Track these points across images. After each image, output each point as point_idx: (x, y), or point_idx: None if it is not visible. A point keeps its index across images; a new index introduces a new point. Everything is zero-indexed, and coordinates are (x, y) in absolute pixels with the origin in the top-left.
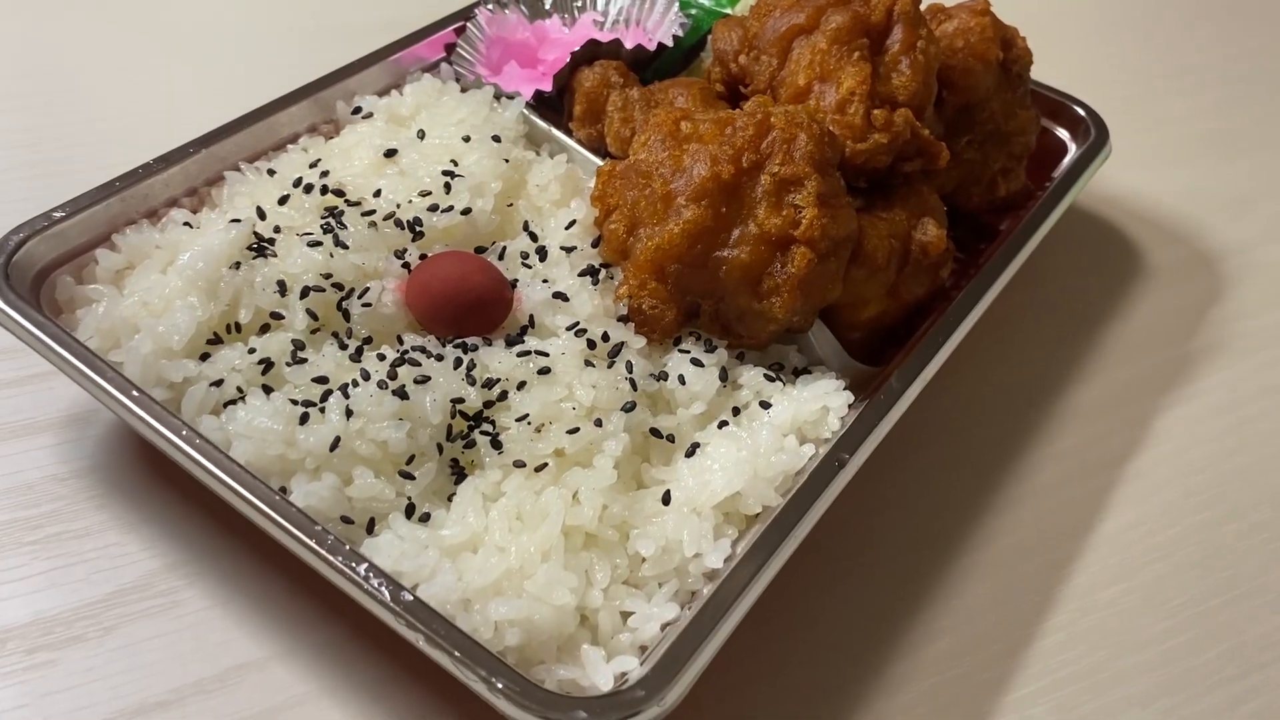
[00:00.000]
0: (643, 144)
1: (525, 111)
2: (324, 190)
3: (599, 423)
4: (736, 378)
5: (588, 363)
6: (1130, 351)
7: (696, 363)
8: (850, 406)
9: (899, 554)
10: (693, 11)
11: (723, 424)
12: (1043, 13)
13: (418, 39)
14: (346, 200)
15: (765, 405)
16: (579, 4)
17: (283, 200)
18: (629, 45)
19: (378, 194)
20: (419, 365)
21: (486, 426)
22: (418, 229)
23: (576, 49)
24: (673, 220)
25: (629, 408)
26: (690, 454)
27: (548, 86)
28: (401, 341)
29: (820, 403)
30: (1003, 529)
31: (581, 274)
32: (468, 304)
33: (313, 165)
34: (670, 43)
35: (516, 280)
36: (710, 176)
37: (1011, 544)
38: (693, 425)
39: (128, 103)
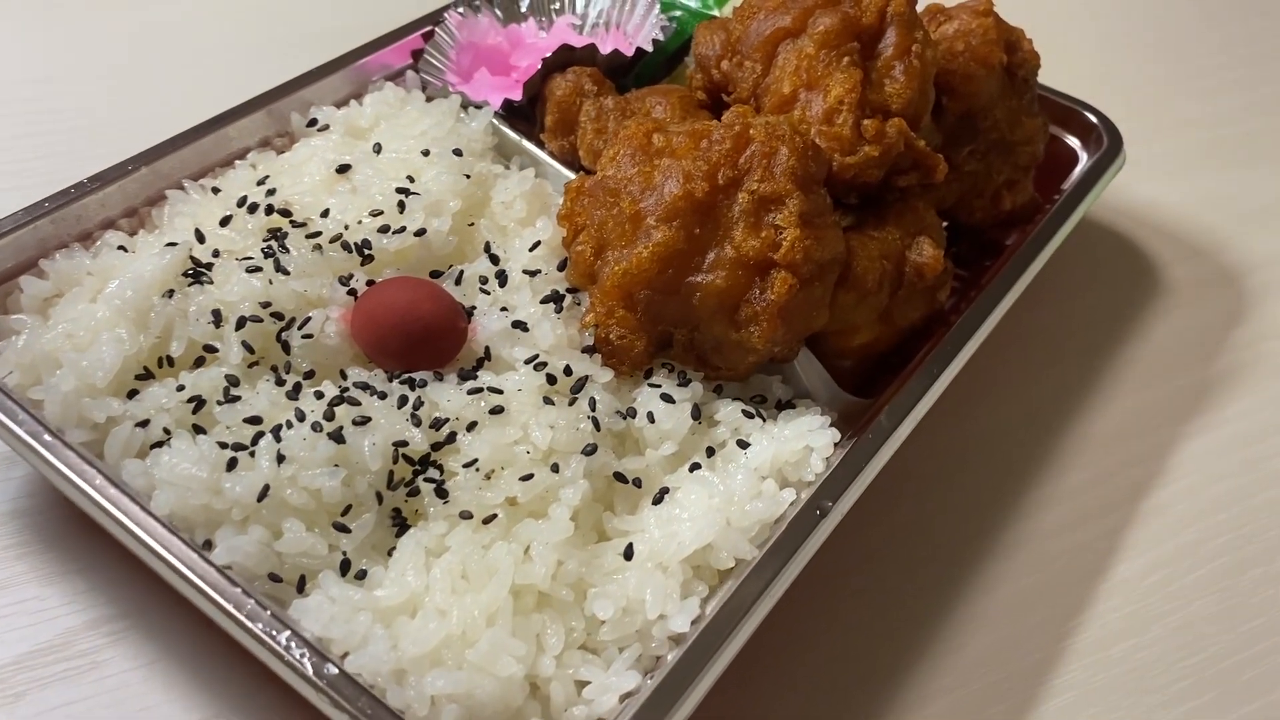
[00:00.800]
0: (611, 159)
1: (495, 122)
2: (269, 210)
3: (556, 468)
4: (713, 413)
5: (547, 400)
6: (1146, 376)
7: (667, 398)
8: (837, 445)
9: (890, 605)
10: (677, 14)
11: (694, 467)
12: (1051, 13)
13: (382, 44)
14: (292, 221)
15: (743, 445)
16: (556, 6)
17: (224, 221)
18: (606, 50)
19: (326, 214)
20: (358, 405)
21: (432, 472)
22: (366, 252)
23: (548, 55)
24: (642, 243)
25: (590, 450)
26: (658, 501)
27: (518, 95)
28: (345, 377)
29: (803, 442)
30: (1005, 575)
31: (544, 301)
32: (416, 335)
33: (260, 183)
34: (649, 47)
35: (474, 308)
36: (682, 195)
37: (1015, 592)
38: (662, 467)
39: (95, 109)
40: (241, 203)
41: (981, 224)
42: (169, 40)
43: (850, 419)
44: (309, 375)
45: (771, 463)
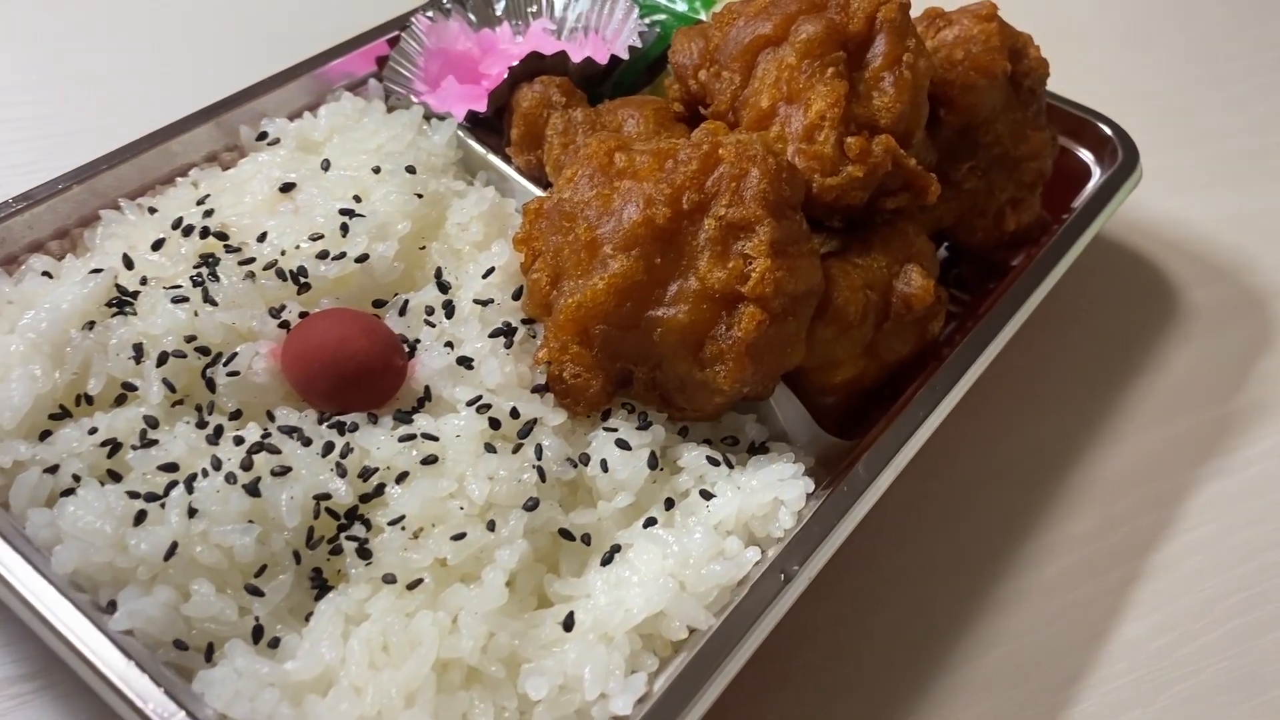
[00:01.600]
0: (568, 180)
1: (460, 135)
2: (204, 233)
3: (492, 525)
4: (676, 458)
5: (489, 447)
6: (1161, 412)
7: (623, 445)
8: (810, 496)
9: (866, 675)
10: (660, 18)
11: (650, 522)
12: (1061, 16)
13: (345, 50)
14: (227, 245)
15: (706, 496)
16: (533, 9)
17: (157, 245)
18: (579, 57)
19: (263, 238)
20: (278, 453)
21: (358, 529)
22: (302, 280)
23: (515, 64)
24: (598, 273)
25: (531, 505)
26: (608, 560)
27: (482, 106)
28: (272, 419)
29: (771, 494)
30: (997, 638)
31: (493, 334)
32: (347, 375)
33: (200, 202)
34: (625, 55)
35: (418, 341)
36: (642, 221)
37: (1006, 658)
38: (616, 521)
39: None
40: (177, 224)
41: (984, 246)
42: (121, 41)
43: (832, 462)
44: (235, 416)
45: (737, 517)
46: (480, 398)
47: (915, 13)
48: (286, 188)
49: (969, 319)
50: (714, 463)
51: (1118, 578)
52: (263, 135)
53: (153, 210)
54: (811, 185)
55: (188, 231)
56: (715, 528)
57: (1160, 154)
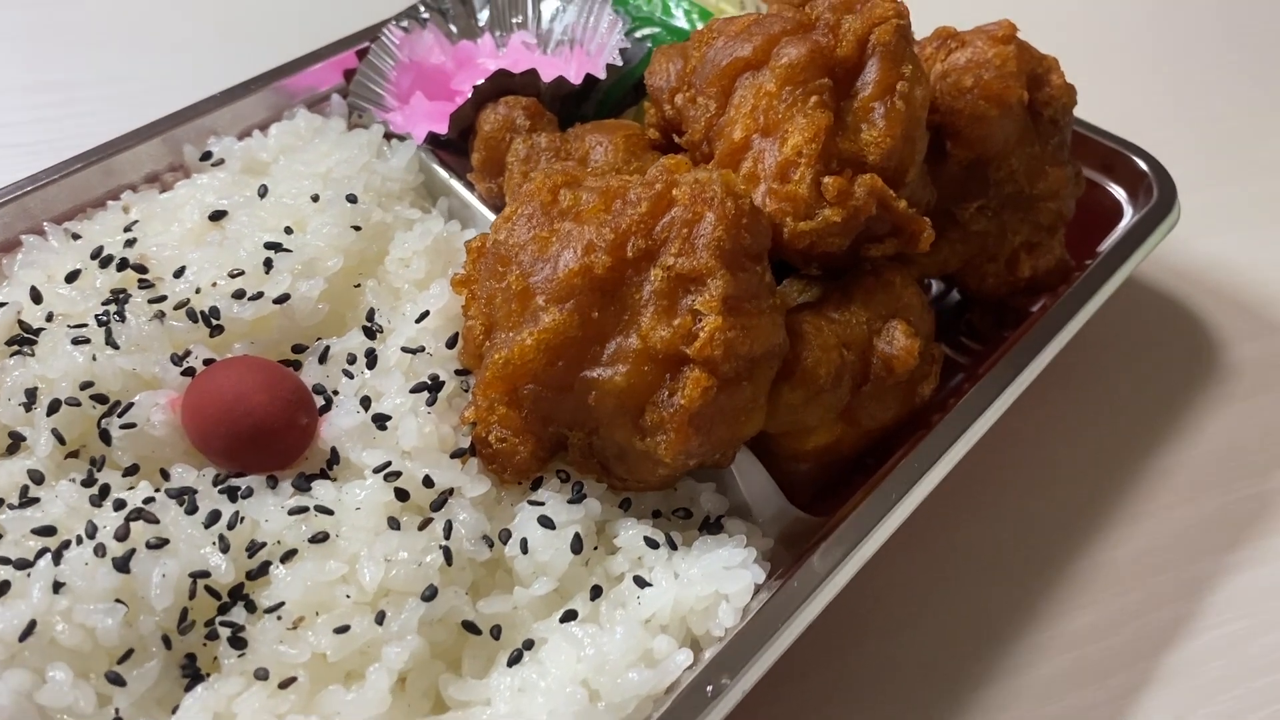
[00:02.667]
0: (505, 219)
1: (424, 157)
2: (122, 265)
3: (382, 617)
4: (614, 535)
5: (391, 522)
6: (1191, 486)
7: (547, 522)
8: (761, 587)
9: None
10: (651, 31)
11: (569, 616)
12: (1092, 37)
13: (309, 63)
14: (142, 280)
15: (641, 583)
16: (518, 20)
17: (71, 277)
18: (564, 72)
19: (181, 272)
20: (157, 522)
21: (238, 612)
22: (215, 322)
23: (480, 82)
24: (527, 327)
25: (430, 595)
26: (515, 660)
27: (443, 128)
28: (166, 477)
29: (714, 585)
30: None
31: (416, 389)
32: (244, 434)
33: (128, 229)
34: (601, 74)
35: (336, 393)
36: (579, 270)
37: None
38: (534, 610)
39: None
40: (97, 254)
41: (994, 292)
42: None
43: (798, 539)
44: (131, 471)
45: (672, 610)
46: (389, 464)
47: (925, 30)
48: (217, 216)
49: (970, 377)
50: (652, 544)
51: (1122, 684)
52: (207, 155)
53: (76, 236)
54: (782, 230)
55: (105, 262)
56: (646, 623)
57: (1202, 189)
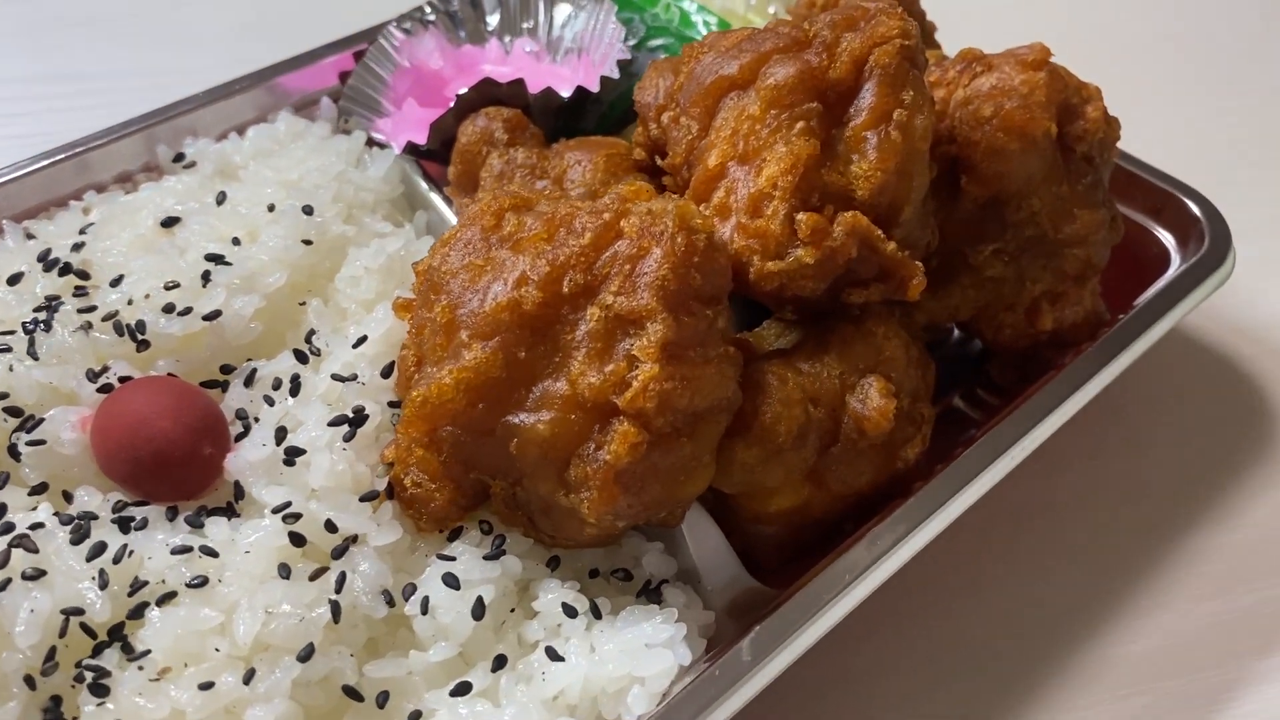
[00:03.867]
0: (444, 243)
1: (408, 168)
2: (65, 270)
3: (251, 676)
4: (533, 597)
5: (282, 569)
6: (1228, 576)
7: (452, 580)
8: (686, 667)
9: None
10: (662, 41)
11: (461, 689)
12: (1146, 65)
13: (303, 63)
14: (78, 287)
15: (554, 656)
16: (528, 24)
17: (14, 279)
18: (538, 87)
19: (119, 281)
20: (36, 552)
21: (110, 655)
22: (140, 337)
23: (464, 90)
24: (449, 364)
25: (305, 655)
26: None
27: (422, 138)
28: (69, 500)
29: (627, 667)
30: None
31: (335, 422)
32: (145, 461)
33: (83, 231)
34: (594, 87)
35: (257, 420)
36: (507, 304)
37: None
38: (430, 678)
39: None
40: (44, 256)
41: (1012, 345)
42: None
43: (748, 611)
44: (39, 490)
45: (582, 690)
46: (289, 505)
47: (948, 51)
48: (169, 223)
49: (966, 440)
50: (570, 613)
51: None
52: (180, 156)
53: (30, 236)
54: (748, 270)
55: (50, 266)
56: (552, 702)
57: (1262, 237)
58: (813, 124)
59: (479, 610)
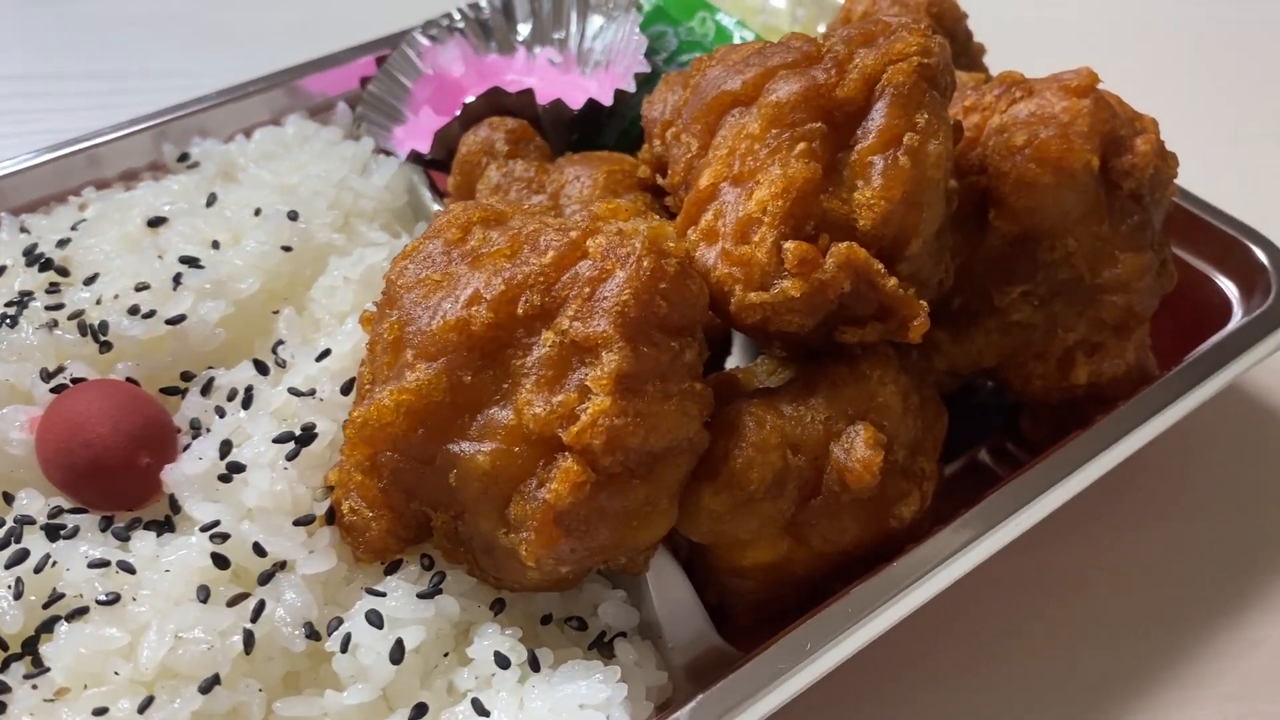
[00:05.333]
0: (406, 255)
1: (415, 178)
2: (46, 265)
3: (147, 705)
4: (469, 642)
5: (201, 592)
6: (1268, 675)
7: (375, 619)
8: None
9: None
10: (693, 56)
11: None
12: (1210, 97)
13: (323, 66)
14: (52, 284)
15: (480, 710)
16: (560, 35)
17: None
18: (548, 99)
19: (92, 280)
20: None
21: (19, 668)
22: (103, 338)
23: (470, 99)
24: (392, 384)
25: (207, 686)
26: None
27: (425, 147)
28: (9, 502)
29: None
30: None
31: (281, 439)
32: (80, 467)
33: (74, 227)
34: (607, 100)
35: (209, 432)
36: (454, 324)
37: None
38: None
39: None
40: (29, 251)
41: (1042, 398)
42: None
43: (711, 671)
44: None
45: None
46: (218, 523)
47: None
48: (155, 223)
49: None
50: (503, 663)
51: None
52: (184, 156)
53: (24, 230)
54: (730, 301)
55: (33, 261)
56: None
57: None
58: (815, 145)
59: (397, 654)
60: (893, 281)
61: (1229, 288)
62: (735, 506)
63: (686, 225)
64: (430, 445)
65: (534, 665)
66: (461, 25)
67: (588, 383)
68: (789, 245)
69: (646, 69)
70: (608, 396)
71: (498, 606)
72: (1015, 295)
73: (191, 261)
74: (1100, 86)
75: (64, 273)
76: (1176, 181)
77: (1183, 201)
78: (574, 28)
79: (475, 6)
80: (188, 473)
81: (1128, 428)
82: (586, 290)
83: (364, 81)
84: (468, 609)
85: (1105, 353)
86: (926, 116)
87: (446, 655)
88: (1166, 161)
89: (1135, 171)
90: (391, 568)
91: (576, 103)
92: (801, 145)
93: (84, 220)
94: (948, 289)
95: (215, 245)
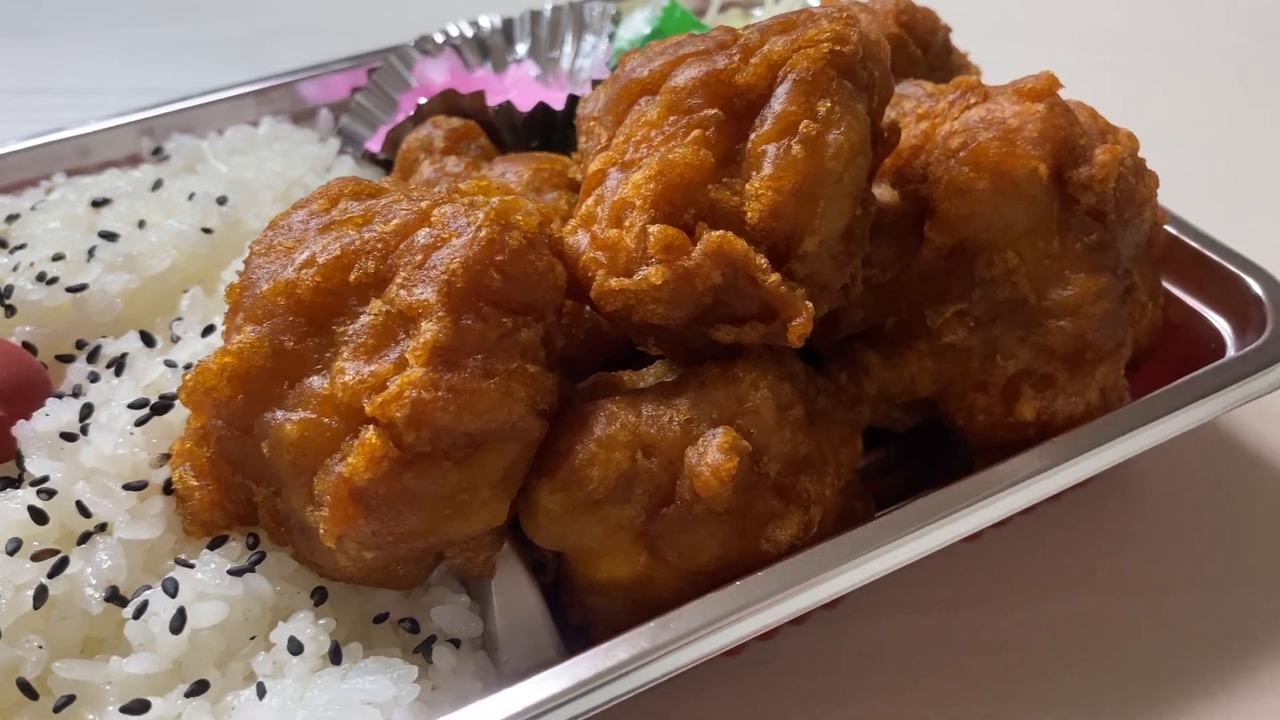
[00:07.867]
0: (273, 224)
1: (369, 175)
2: None
3: None
4: (276, 624)
5: (11, 545)
6: None
7: (169, 588)
8: None
9: None
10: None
11: (137, 706)
12: (1201, 110)
13: (316, 74)
14: None
15: (262, 693)
16: (555, 54)
17: None
18: (497, 100)
19: (17, 250)
20: None
21: None
22: (6, 302)
23: (422, 100)
24: (221, 347)
25: None
26: None
27: (377, 145)
28: None
29: None
30: None
31: (135, 404)
32: None
33: (34, 207)
34: (558, 105)
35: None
36: (282, 288)
37: None
38: (123, 690)
39: None
40: None
41: (990, 435)
42: None
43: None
44: None
45: None
46: (46, 479)
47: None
48: (99, 203)
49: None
50: (296, 649)
51: None
52: (158, 149)
53: None
54: (592, 286)
55: None
56: None
57: None
58: (709, 133)
59: (177, 623)
60: (774, 278)
61: (1218, 321)
62: (574, 507)
63: (577, 213)
64: (249, 412)
65: (335, 658)
66: (457, 42)
67: (406, 354)
68: (654, 229)
69: (610, 69)
70: (423, 366)
71: (319, 595)
72: (949, 314)
73: (110, 236)
74: (1087, 100)
75: (3, 244)
76: (1170, 209)
77: (1172, 229)
78: (568, 48)
79: (475, 24)
80: (37, 429)
81: (1071, 453)
82: (419, 258)
83: (355, 91)
84: (285, 593)
85: (1057, 388)
86: (829, 105)
87: (253, 639)
88: (1143, 180)
89: (1094, 184)
90: (216, 543)
91: (526, 105)
92: (696, 132)
93: (43, 200)
94: (885, 308)
95: (141, 224)
